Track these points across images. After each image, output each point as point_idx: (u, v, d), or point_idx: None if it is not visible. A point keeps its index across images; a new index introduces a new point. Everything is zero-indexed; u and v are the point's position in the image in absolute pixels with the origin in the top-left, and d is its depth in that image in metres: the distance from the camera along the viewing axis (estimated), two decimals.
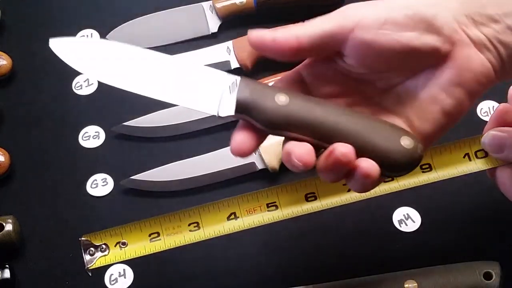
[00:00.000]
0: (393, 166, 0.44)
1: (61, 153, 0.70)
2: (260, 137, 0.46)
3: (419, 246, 0.62)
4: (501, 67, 0.46)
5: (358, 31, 0.44)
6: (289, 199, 0.54)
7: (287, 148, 0.44)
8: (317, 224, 0.63)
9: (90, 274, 0.55)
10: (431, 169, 0.54)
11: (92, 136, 0.70)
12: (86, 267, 0.55)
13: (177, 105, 0.49)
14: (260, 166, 0.65)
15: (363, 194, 0.53)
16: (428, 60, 0.45)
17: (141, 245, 0.55)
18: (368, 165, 0.43)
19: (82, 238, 0.55)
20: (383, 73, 0.46)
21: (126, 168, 0.67)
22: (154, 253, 0.60)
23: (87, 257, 0.55)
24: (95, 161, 0.69)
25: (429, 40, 0.44)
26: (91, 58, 0.50)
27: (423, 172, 0.54)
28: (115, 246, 0.55)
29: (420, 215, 0.64)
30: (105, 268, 0.62)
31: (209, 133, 0.69)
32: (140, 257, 0.61)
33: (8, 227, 0.62)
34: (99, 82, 0.73)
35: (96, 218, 0.65)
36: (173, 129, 0.69)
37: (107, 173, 0.68)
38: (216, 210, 0.55)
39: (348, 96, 0.48)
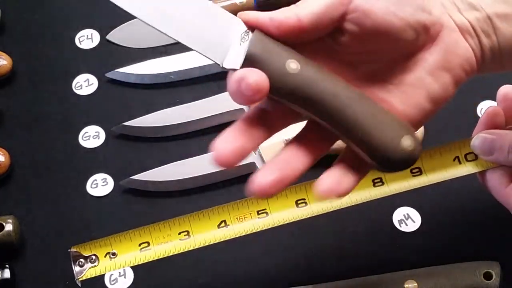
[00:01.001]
0: (387, 163, 0.44)
1: (61, 153, 0.70)
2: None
3: (419, 246, 0.62)
4: (481, 57, 0.46)
5: (357, 2, 0.44)
6: (279, 206, 0.54)
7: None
8: (317, 224, 0.63)
9: (80, 285, 0.55)
10: (421, 173, 0.54)
11: (92, 136, 0.70)
12: (75, 279, 0.54)
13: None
14: (260, 166, 0.65)
15: (355, 198, 0.53)
16: (420, 39, 0.45)
17: (131, 255, 0.54)
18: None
19: (71, 249, 0.55)
20: (373, 54, 0.46)
21: (126, 168, 0.67)
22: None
23: (76, 269, 0.54)
24: (95, 161, 0.69)
25: (422, 17, 0.44)
26: None
27: (413, 176, 0.54)
28: (104, 256, 0.55)
29: (420, 215, 0.64)
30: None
31: (209, 133, 0.69)
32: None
33: (8, 227, 0.62)
34: (99, 82, 0.73)
35: (96, 218, 0.65)
36: (173, 129, 0.69)
37: (107, 173, 0.68)
38: (206, 218, 0.54)
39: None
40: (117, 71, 0.73)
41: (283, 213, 0.54)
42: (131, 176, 0.66)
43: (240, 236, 0.60)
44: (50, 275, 0.62)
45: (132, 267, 0.62)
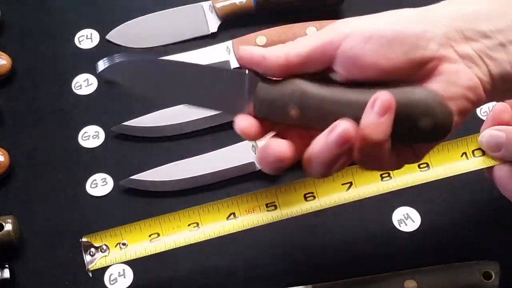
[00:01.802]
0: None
1: (60, 153, 0.69)
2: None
3: (419, 246, 0.62)
4: (491, 85, 0.45)
5: (344, 46, 0.44)
6: (288, 199, 0.55)
7: (264, 145, 0.46)
8: (317, 224, 0.63)
9: (91, 275, 0.55)
10: (428, 168, 0.54)
11: (91, 136, 0.70)
12: (86, 268, 0.55)
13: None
14: (260, 166, 0.65)
15: (363, 192, 0.54)
16: (416, 74, 0.45)
17: (141, 246, 0.55)
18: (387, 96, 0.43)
19: (83, 239, 0.56)
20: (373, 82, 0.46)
21: (125, 168, 0.67)
22: (154, 253, 0.60)
23: (87, 258, 0.55)
24: (95, 161, 0.69)
25: (416, 55, 0.44)
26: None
27: (420, 170, 0.54)
28: (115, 246, 0.55)
29: (420, 215, 0.64)
30: (105, 268, 0.61)
31: (209, 133, 0.69)
32: (140, 257, 0.61)
33: (8, 227, 0.62)
34: (98, 82, 0.73)
35: (96, 218, 0.65)
36: (173, 129, 0.69)
37: (107, 173, 0.68)
38: (215, 210, 0.55)
39: None
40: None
41: (292, 206, 0.55)
42: (130, 176, 0.66)
43: (240, 238, 0.60)
44: (50, 275, 0.62)
45: (132, 268, 0.62)
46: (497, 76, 0.45)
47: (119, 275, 0.62)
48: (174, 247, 0.55)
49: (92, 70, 0.74)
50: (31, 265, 0.63)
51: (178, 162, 0.67)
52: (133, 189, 0.66)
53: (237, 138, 0.67)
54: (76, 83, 0.74)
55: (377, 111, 0.43)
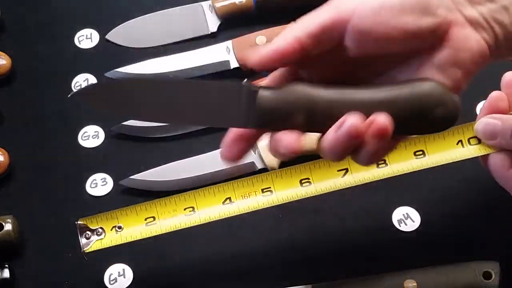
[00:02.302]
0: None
1: (60, 152, 0.69)
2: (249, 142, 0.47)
3: (419, 246, 0.62)
4: (496, 47, 0.46)
5: (355, 20, 0.44)
6: (284, 184, 0.55)
7: (275, 137, 0.45)
8: (316, 223, 0.63)
9: (86, 258, 0.56)
10: (424, 155, 0.54)
11: (91, 136, 0.70)
12: (82, 250, 0.55)
13: None
14: (259, 165, 0.65)
15: (358, 178, 0.54)
16: (426, 42, 0.45)
17: (137, 229, 0.55)
18: (383, 119, 0.43)
19: (79, 222, 0.56)
20: (380, 58, 0.47)
21: (125, 167, 0.67)
22: (154, 253, 0.60)
23: (83, 241, 0.56)
24: (95, 161, 0.69)
25: (425, 23, 0.44)
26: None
27: (416, 158, 0.54)
28: (111, 229, 0.56)
29: (420, 215, 0.63)
30: (105, 267, 0.62)
31: (209, 133, 0.69)
32: (140, 256, 0.61)
33: (8, 226, 0.62)
34: (98, 82, 0.73)
35: None
36: (173, 129, 0.69)
37: (107, 173, 0.68)
38: (211, 194, 0.55)
39: (342, 79, 0.47)
40: (116, 70, 0.73)
41: (287, 191, 0.55)
42: (130, 175, 0.66)
43: (240, 236, 0.60)
44: (50, 274, 0.62)
45: (131, 267, 0.62)
46: (501, 38, 0.46)
47: (119, 275, 0.62)
48: (170, 230, 0.55)
49: (92, 70, 0.74)
50: (31, 265, 0.63)
51: (178, 162, 0.67)
52: (133, 189, 0.66)
53: None
54: (76, 82, 0.74)
55: (340, 135, 0.44)
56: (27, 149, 0.70)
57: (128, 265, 0.62)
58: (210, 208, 0.55)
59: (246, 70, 0.71)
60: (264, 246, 0.63)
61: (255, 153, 0.65)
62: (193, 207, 0.55)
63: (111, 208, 0.65)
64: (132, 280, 0.62)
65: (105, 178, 0.67)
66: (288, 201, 0.55)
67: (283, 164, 0.63)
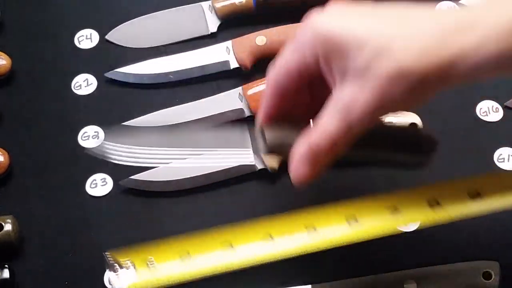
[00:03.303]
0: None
1: (60, 153, 0.69)
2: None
3: (419, 246, 0.62)
4: None
5: None
6: (328, 221, 0.53)
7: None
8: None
9: None
10: (481, 197, 0.52)
11: (91, 136, 0.70)
12: (110, 286, 0.53)
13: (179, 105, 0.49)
14: (259, 166, 0.65)
15: (409, 218, 0.53)
16: None
17: (170, 265, 0.51)
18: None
19: (107, 254, 0.53)
20: None
21: (125, 168, 0.67)
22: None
23: (111, 275, 0.52)
24: (95, 161, 0.68)
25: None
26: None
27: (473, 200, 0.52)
28: (142, 264, 0.52)
29: None
30: (105, 267, 0.62)
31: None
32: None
33: (7, 227, 0.62)
34: (98, 82, 0.73)
35: (95, 218, 0.65)
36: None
37: (107, 173, 0.67)
38: (251, 230, 0.53)
39: None
40: (116, 71, 0.73)
41: (333, 230, 0.53)
42: (130, 176, 0.66)
43: None
44: (50, 275, 0.62)
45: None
46: None
47: None
48: (206, 273, 0.52)
49: (92, 70, 0.74)
50: (31, 265, 0.63)
51: (178, 161, 0.66)
52: (133, 189, 0.66)
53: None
54: (75, 83, 0.74)
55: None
56: (27, 149, 0.70)
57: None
58: (250, 244, 0.52)
59: (246, 70, 0.71)
60: None
61: (253, 152, 0.65)
62: (231, 243, 0.52)
63: (112, 208, 0.65)
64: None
65: (105, 178, 0.67)
66: (335, 245, 0.53)
67: (283, 166, 0.63)
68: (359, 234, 0.51)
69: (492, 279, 0.57)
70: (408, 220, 0.53)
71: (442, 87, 0.44)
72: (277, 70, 0.51)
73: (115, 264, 0.51)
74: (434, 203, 0.52)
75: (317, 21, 0.47)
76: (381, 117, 0.48)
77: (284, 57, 0.50)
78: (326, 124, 0.47)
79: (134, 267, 0.51)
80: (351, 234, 0.51)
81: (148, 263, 0.51)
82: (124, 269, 0.51)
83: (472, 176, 0.54)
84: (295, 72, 0.50)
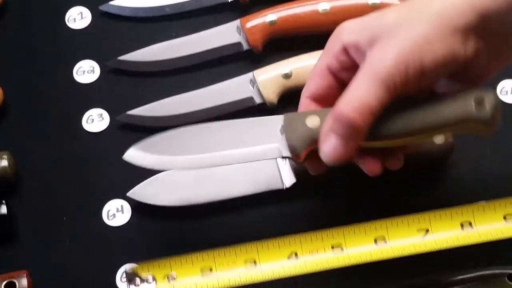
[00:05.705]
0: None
1: (55, 88, 0.68)
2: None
3: None
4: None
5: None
6: (356, 241, 0.52)
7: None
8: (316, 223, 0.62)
9: None
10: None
11: (87, 71, 0.69)
12: None
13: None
14: (258, 100, 0.64)
15: (439, 240, 0.52)
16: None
17: (192, 281, 0.52)
18: None
19: (128, 270, 0.53)
20: None
21: (122, 103, 0.66)
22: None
23: None
24: (91, 96, 0.68)
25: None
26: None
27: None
28: (163, 278, 0.52)
29: None
30: (104, 202, 0.61)
31: (206, 68, 0.68)
32: None
33: (4, 162, 0.61)
34: (92, 16, 0.72)
35: (92, 153, 0.65)
36: (170, 63, 0.68)
37: (103, 108, 0.67)
38: (275, 247, 0.53)
39: None
40: (111, 4, 0.71)
41: (359, 249, 0.52)
42: (127, 111, 0.65)
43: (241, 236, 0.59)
44: (47, 210, 0.62)
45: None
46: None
47: (117, 211, 0.61)
48: (229, 286, 0.52)
49: (85, 2, 0.72)
50: (28, 201, 0.62)
51: (175, 96, 0.66)
52: (130, 124, 0.65)
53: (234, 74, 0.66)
54: (69, 16, 0.72)
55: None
56: (21, 85, 0.69)
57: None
58: (274, 263, 0.52)
59: (258, 52, 0.68)
60: None
61: (253, 88, 0.64)
62: (254, 260, 0.52)
63: (109, 144, 0.65)
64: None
65: (101, 114, 0.67)
66: (361, 262, 0.52)
67: (284, 102, 0.62)
68: (388, 252, 0.52)
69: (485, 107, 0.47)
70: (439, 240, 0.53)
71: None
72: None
73: (136, 278, 0.52)
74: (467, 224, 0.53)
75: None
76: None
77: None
78: (356, 89, 0.45)
79: (155, 281, 0.52)
80: (378, 253, 0.52)
81: (169, 277, 0.52)
82: (145, 282, 0.52)
83: (506, 198, 0.54)
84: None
